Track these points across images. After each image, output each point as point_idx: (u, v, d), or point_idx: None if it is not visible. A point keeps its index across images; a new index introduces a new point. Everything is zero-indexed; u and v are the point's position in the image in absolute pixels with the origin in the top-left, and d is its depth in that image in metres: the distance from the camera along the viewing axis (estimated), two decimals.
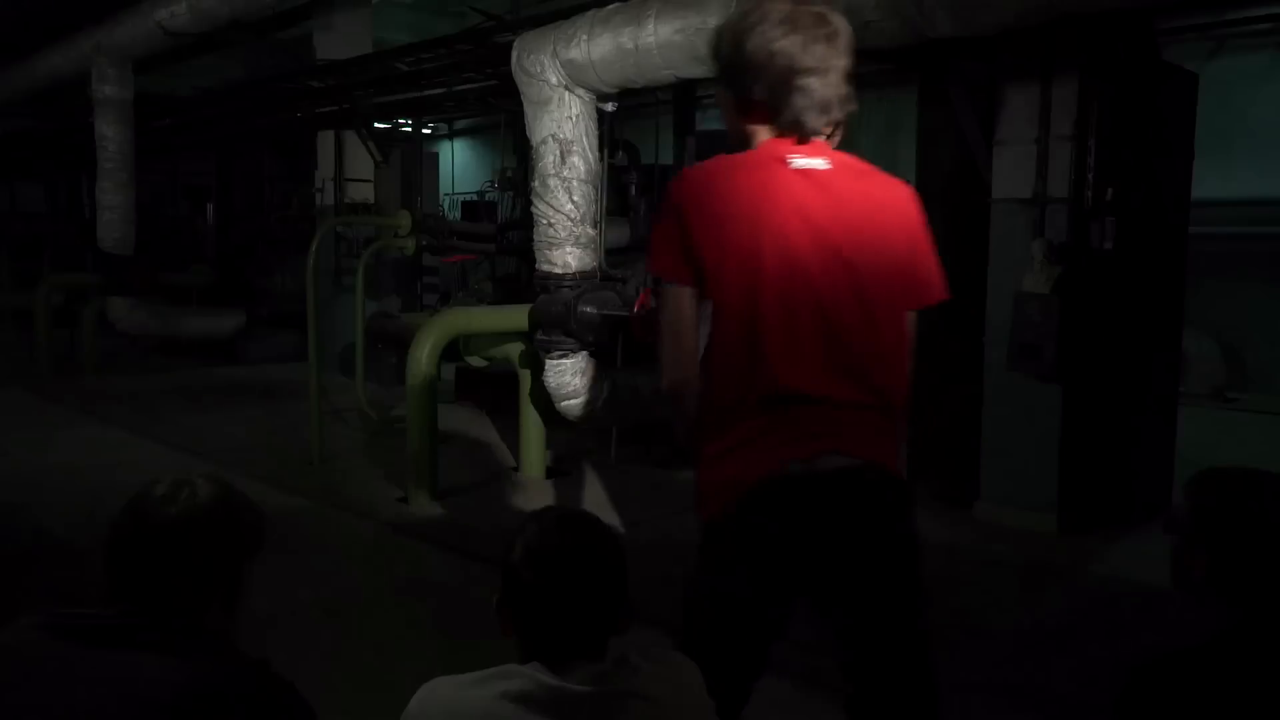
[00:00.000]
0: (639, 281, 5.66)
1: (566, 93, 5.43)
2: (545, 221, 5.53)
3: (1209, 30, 9.31)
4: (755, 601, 1.96)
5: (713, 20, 5.31)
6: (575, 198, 5.46)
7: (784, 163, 1.94)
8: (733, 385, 1.94)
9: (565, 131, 5.45)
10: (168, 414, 8.32)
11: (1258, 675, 1.47)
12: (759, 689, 2.05)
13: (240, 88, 10.87)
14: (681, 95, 6.85)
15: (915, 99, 5.86)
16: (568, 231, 5.50)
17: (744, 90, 1.98)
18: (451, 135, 18.60)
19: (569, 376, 5.54)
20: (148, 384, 10.00)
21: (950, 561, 4.55)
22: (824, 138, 1.99)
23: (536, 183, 5.58)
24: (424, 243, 9.06)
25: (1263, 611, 1.53)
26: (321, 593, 4.18)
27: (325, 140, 10.55)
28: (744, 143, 2.03)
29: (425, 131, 12.65)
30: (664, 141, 7.45)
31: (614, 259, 6.16)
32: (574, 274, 5.52)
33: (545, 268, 5.58)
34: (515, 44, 5.66)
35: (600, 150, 5.69)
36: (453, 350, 6.23)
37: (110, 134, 9.59)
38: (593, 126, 5.57)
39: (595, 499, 5.80)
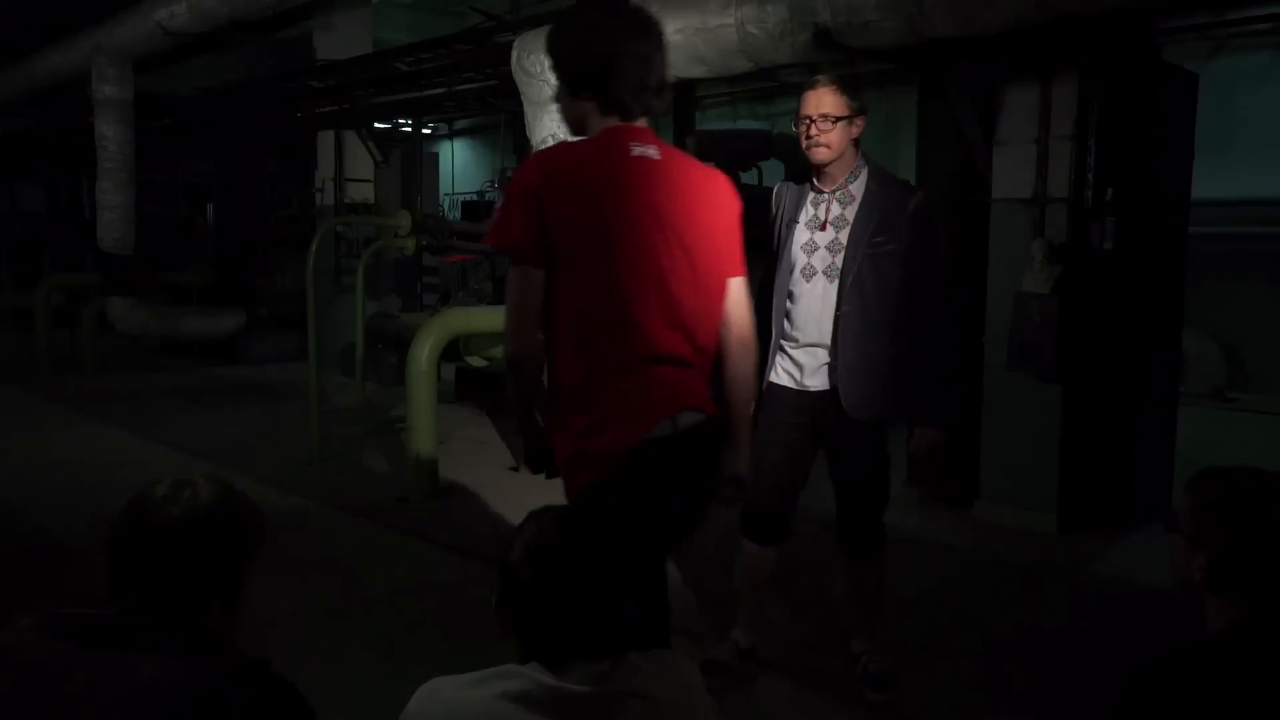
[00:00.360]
0: None
1: None
2: None
3: (1209, 30, 9.29)
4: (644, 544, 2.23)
5: (713, 20, 5.32)
6: None
7: (625, 150, 2.20)
8: (597, 352, 2.16)
9: (565, 131, 5.43)
10: (168, 414, 8.32)
11: (1258, 675, 1.47)
12: (759, 689, 2.05)
13: (240, 88, 10.87)
14: (681, 95, 6.86)
15: (915, 99, 5.86)
16: None
17: (573, 74, 2.27)
18: (451, 135, 18.59)
19: None
20: (148, 384, 10.00)
21: (950, 561, 4.52)
22: (646, 123, 2.28)
23: None
24: (424, 243, 9.07)
25: (1263, 611, 1.53)
26: (321, 593, 4.18)
27: (325, 140, 10.54)
28: (580, 125, 2.32)
29: (425, 131, 12.64)
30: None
31: None
32: None
33: None
34: (515, 44, 5.66)
35: None
36: (453, 350, 6.22)
37: (110, 134, 9.61)
38: None
39: None
